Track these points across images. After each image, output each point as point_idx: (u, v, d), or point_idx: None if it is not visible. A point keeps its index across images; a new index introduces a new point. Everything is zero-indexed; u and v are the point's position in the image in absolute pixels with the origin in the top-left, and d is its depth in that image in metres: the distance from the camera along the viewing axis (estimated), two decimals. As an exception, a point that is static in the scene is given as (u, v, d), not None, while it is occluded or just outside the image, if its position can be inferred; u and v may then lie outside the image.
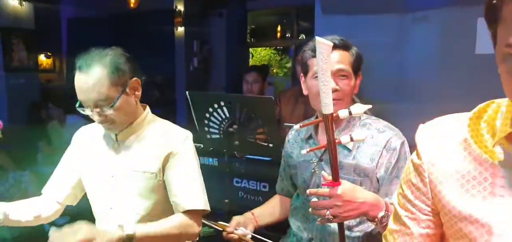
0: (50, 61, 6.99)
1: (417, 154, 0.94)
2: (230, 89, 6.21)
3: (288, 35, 6.86)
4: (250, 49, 7.54)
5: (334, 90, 1.48)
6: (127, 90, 1.46)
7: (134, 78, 1.49)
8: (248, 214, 1.75)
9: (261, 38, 7.33)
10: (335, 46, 1.47)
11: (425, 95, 2.72)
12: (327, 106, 1.19)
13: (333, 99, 1.49)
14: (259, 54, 9.06)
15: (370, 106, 1.27)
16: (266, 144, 1.98)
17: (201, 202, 1.51)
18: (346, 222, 1.48)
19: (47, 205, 1.62)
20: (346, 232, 1.50)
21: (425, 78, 2.61)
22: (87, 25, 6.58)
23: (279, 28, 7.03)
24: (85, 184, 1.61)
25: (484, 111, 0.89)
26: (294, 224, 1.69)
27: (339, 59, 1.50)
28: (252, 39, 7.13)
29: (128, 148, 1.55)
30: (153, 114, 1.63)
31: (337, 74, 1.50)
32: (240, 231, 1.63)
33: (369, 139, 1.52)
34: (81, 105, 1.46)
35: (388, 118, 1.62)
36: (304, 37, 6.29)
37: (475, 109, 0.90)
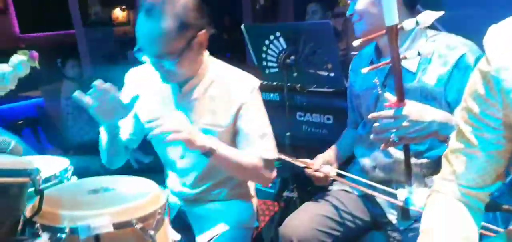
0: (125, 14, 7.29)
1: (486, 59, 0.82)
2: (299, 26, 5.99)
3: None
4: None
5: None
6: (193, 44, 1.35)
7: (203, 32, 1.36)
8: (330, 152, 1.71)
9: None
10: None
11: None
12: (390, 17, 1.08)
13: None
14: (329, -14, 8.66)
15: (441, 13, 1.11)
16: (326, 73, 1.89)
17: (272, 152, 1.49)
18: (413, 148, 1.39)
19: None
20: (413, 160, 1.40)
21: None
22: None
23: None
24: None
25: None
26: (359, 152, 1.63)
27: None
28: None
29: (194, 101, 1.47)
30: (213, 58, 1.52)
31: None
32: (325, 169, 1.60)
33: (436, 57, 1.38)
34: (139, 50, 1.35)
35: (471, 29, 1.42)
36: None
37: None
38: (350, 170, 1.65)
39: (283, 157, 1.67)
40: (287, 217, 1.59)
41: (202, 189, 1.57)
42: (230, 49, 6.55)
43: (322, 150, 1.74)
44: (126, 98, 1.36)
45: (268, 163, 1.48)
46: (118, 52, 5.46)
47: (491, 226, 1.13)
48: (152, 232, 0.99)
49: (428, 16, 1.08)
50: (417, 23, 1.09)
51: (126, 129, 1.56)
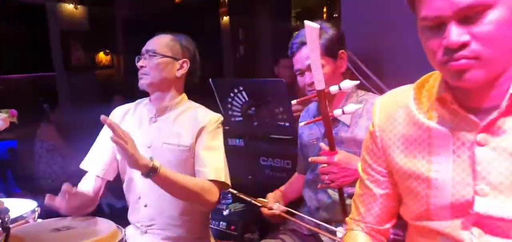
0: (109, 58, 7.42)
1: (372, 123, 1.05)
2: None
3: (335, 15, 6.76)
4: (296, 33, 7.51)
5: (311, 84, 1.56)
6: (175, 60, 1.69)
7: (185, 60, 1.72)
8: (278, 192, 1.89)
9: (307, 20, 7.25)
10: (304, 42, 1.56)
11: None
12: (319, 82, 1.29)
13: (313, 91, 1.57)
14: (306, 37, 9.01)
15: (357, 81, 1.37)
16: (282, 123, 2.07)
17: (222, 175, 1.62)
18: (349, 190, 1.58)
19: (89, 181, 1.69)
20: (348, 201, 1.58)
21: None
22: (139, 22, 6.91)
23: (325, 10, 6.94)
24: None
25: (426, 81, 0.98)
26: (306, 194, 1.82)
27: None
28: (298, 22, 7.10)
29: (165, 123, 1.70)
30: (191, 101, 1.78)
31: (310, 69, 1.54)
32: (276, 206, 1.74)
33: (365, 113, 1.61)
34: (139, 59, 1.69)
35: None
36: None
37: (419, 80, 0.99)
38: (301, 211, 1.81)
39: (242, 196, 1.81)
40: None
41: (157, 218, 1.68)
42: (211, 95, 6.74)
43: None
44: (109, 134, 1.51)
45: (214, 186, 1.58)
46: (102, 96, 5.55)
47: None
48: (106, 266, 1.11)
49: (348, 83, 1.31)
50: (340, 88, 1.31)
51: (103, 160, 1.72)
